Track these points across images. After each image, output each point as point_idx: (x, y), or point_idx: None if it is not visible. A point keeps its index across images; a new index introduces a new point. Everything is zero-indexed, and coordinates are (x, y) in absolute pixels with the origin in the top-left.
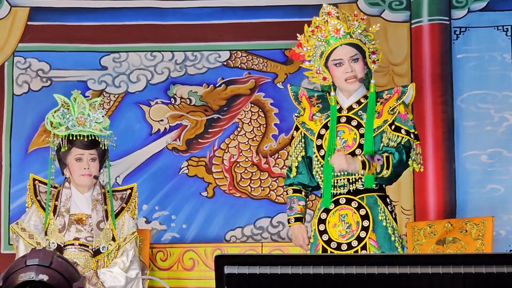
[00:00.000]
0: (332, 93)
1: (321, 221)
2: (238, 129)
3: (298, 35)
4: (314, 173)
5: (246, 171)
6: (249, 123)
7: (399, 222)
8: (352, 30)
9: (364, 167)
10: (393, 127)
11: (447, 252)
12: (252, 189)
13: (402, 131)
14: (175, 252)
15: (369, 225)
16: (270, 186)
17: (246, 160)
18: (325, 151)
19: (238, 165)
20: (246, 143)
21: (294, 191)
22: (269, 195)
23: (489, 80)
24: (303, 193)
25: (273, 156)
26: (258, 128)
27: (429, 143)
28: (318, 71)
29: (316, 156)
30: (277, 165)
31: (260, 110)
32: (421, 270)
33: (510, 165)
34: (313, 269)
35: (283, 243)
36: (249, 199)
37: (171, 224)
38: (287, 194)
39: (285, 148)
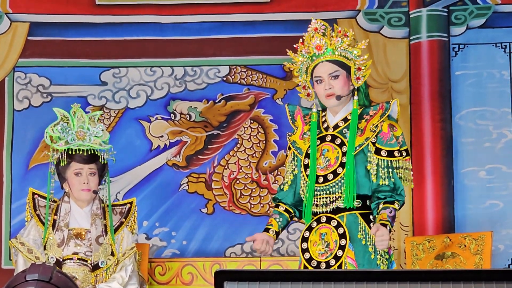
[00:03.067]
0: (314, 109)
1: (304, 239)
2: (238, 146)
3: (287, 50)
4: (300, 191)
5: (245, 188)
6: (249, 139)
7: (397, 237)
8: (335, 46)
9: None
10: (374, 148)
11: (446, 267)
12: (252, 205)
13: (382, 152)
14: (174, 267)
15: (345, 244)
16: (270, 203)
17: (246, 176)
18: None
19: (237, 181)
20: (246, 159)
21: (275, 206)
22: (268, 211)
23: (488, 97)
24: (280, 207)
25: (272, 173)
26: (258, 145)
27: (427, 159)
28: (304, 87)
29: (303, 176)
30: (276, 181)
31: (260, 126)
32: (421, 286)
33: (509, 180)
34: (313, 285)
35: (281, 258)
36: (249, 216)
37: (171, 240)
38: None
39: (284, 165)
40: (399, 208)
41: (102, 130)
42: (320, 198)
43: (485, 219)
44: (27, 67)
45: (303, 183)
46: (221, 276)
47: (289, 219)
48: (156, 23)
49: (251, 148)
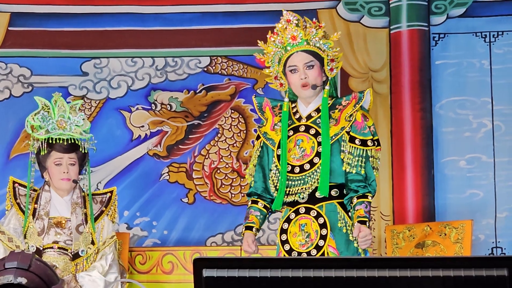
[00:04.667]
0: (286, 99)
1: (283, 231)
2: (219, 135)
3: (258, 41)
4: (269, 181)
5: (226, 177)
6: (230, 129)
7: (378, 226)
8: (309, 37)
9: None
10: (348, 137)
11: (426, 256)
12: (233, 195)
13: (356, 141)
14: (154, 256)
15: (326, 234)
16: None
17: (227, 166)
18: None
19: (218, 171)
20: (227, 149)
21: (252, 201)
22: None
23: (468, 86)
24: (259, 204)
25: None
26: (238, 134)
27: (408, 149)
28: (276, 77)
29: (276, 166)
30: None
31: (240, 116)
32: (400, 274)
33: (489, 170)
34: (292, 272)
35: (262, 247)
36: (229, 205)
37: (152, 230)
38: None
39: None
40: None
41: (83, 119)
42: (294, 187)
43: (465, 209)
44: (8, 57)
45: (275, 173)
46: (200, 264)
47: (267, 215)
48: (137, 13)
49: (232, 138)
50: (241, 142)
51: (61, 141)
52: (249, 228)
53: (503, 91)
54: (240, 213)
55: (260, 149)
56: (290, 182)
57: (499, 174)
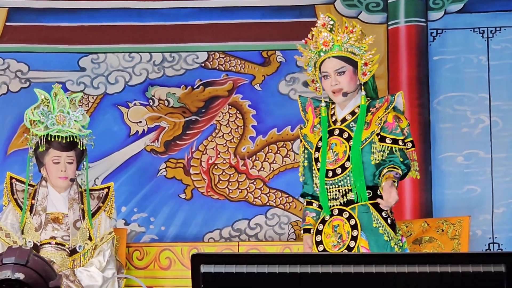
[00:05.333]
0: (323, 104)
1: (318, 232)
2: (216, 131)
3: (297, 44)
4: (313, 185)
5: (224, 173)
6: (227, 125)
7: None
8: (341, 42)
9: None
10: (379, 137)
11: (424, 252)
12: (230, 191)
13: (387, 140)
14: (152, 251)
15: (357, 235)
16: (248, 188)
17: (224, 162)
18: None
19: (216, 167)
20: (224, 145)
21: (307, 203)
22: (246, 197)
23: (465, 82)
24: (313, 204)
25: (250, 158)
26: (236, 130)
27: None
28: (313, 81)
29: (314, 169)
30: (254, 167)
31: (238, 112)
32: (397, 269)
33: (487, 166)
34: (289, 268)
35: (259, 243)
36: (227, 201)
37: (149, 226)
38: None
39: (262, 150)
40: (403, 177)
41: (82, 114)
42: (331, 192)
43: (463, 204)
44: (5, 52)
45: (315, 177)
46: (197, 259)
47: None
48: (134, 8)
49: (229, 134)
50: (238, 138)
51: (59, 139)
52: (307, 230)
53: (500, 87)
54: (238, 209)
55: (305, 150)
56: (326, 186)
57: (496, 170)
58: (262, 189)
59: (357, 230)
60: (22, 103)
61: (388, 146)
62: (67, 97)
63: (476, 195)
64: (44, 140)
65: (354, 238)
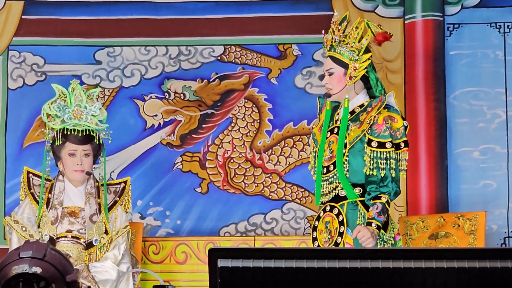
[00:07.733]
0: (329, 99)
1: (314, 228)
2: (232, 125)
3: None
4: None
5: (240, 167)
6: (243, 119)
7: (391, 217)
8: (336, 43)
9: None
10: (366, 139)
11: (440, 247)
12: (246, 185)
13: (373, 143)
14: (168, 246)
15: (343, 231)
16: (264, 183)
17: (240, 156)
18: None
19: (232, 160)
20: (240, 138)
21: None
22: (262, 191)
23: (482, 77)
24: None
25: (266, 152)
26: (252, 124)
27: (421, 140)
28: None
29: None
30: (270, 161)
31: (254, 105)
32: (414, 264)
33: (503, 161)
34: (306, 263)
35: (276, 237)
36: (243, 195)
37: (165, 220)
38: None
39: (278, 144)
40: (393, 198)
41: (100, 108)
42: (324, 188)
43: (479, 199)
44: (22, 45)
45: (313, 174)
46: (215, 254)
47: None
48: (150, 2)
49: (245, 127)
50: (254, 132)
51: (76, 132)
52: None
53: None
54: (254, 203)
55: (313, 148)
56: (322, 182)
57: None
58: (278, 183)
59: (344, 226)
60: (38, 97)
61: (376, 152)
62: (84, 92)
63: (492, 190)
64: (61, 134)
65: (341, 234)
